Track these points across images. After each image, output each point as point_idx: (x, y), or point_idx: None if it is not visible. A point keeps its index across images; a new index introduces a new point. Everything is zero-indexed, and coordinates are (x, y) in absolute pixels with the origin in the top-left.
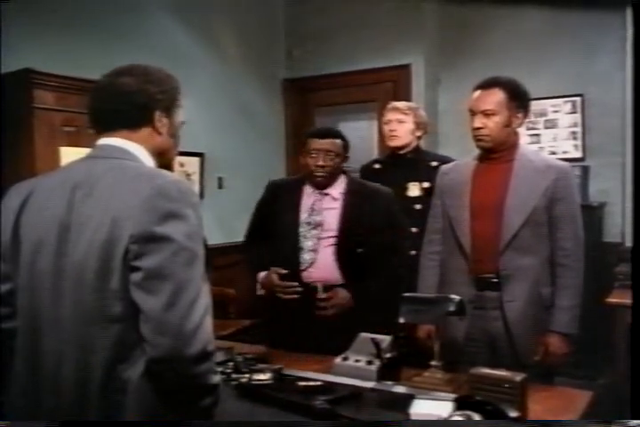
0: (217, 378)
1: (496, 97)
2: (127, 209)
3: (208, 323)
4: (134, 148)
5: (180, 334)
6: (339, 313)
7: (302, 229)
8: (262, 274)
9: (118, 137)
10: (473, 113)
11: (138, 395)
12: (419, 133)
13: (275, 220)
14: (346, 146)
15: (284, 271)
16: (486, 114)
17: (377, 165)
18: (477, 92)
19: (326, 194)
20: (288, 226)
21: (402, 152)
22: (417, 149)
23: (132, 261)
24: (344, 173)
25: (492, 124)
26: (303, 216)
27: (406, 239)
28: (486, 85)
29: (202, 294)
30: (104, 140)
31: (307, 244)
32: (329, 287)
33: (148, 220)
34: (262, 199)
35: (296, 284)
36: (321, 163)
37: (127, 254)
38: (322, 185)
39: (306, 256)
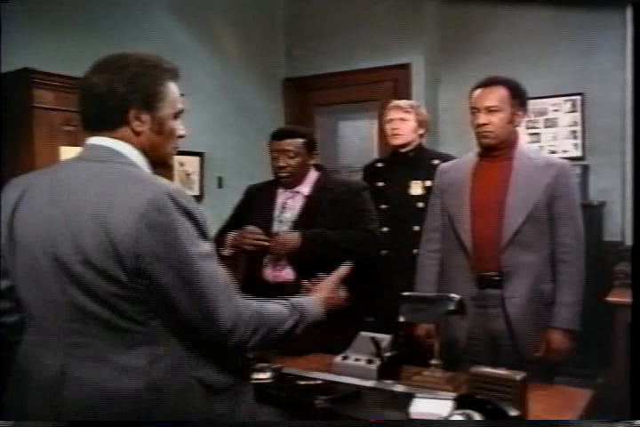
0: (286, 326)
1: (499, 94)
2: (124, 223)
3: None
4: (122, 147)
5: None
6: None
7: (275, 228)
8: (232, 234)
9: (103, 136)
10: (476, 110)
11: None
12: (421, 131)
13: (250, 219)
14: (308, 143)
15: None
16: (490, 110)
17: (380, 164)
18: (479, 90)
19: (297, 192)
20: (261, 224)
21: (404, 150)
22: (419, 148)
23: (146, 279)
24: (320, 169)
25: (496, 121)
26: (276, 214)
27: (375, 224)
28: (488, 83)
29: (225, 287)
30: (92, 140)
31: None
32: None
33: (151, 239)
34: (240, 201)
35: (263, 236)
36: (281, 164)
37: (137, 271)
38: (289, 184)
39: None
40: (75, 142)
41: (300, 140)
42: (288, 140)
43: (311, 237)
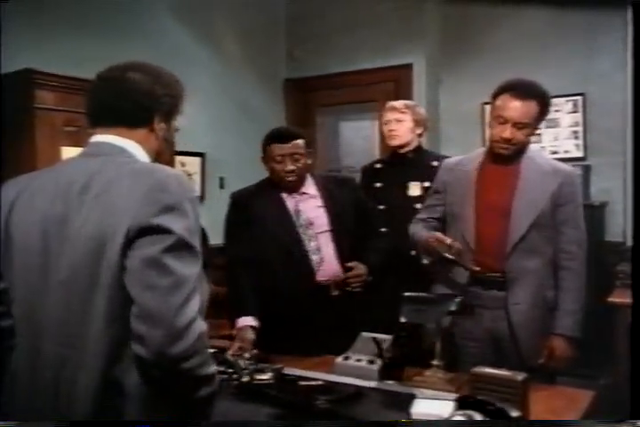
0: (212, 369)
1: (533, 110)
2: (125, 205)
3: (200, 322)
4: (131, 146)
5: (172, 328)
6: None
7: (302, 235)
8: (241, 320)
9: (114, 134)
10: (502, 120)
11: (136, 397)
12: (419, 131)
13: (262, 232)
14: (307, 143)
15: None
16: (519, 127)
17: (378, 165)
18: (515, 102)
19: (304, 193)
20: (286, 232)
21: (403, 151)
22: (418, 149)
23: (129, 251)
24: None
25: (521, 137)
26: (294, 219)
27: (377, 219)
28: (525, 95)
29: (197, 291)
30: (99, 138)
31: (310, 245)
32: (339, 284)
33: (146, 212)
34: (233, 213)
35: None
36: (290, 167)
37: (123, 248)
38: (295, 188)
39: (313, 257)
40: (76, 143)
41: (302, 142)
42: (293, 143)
43: (372, 265)
